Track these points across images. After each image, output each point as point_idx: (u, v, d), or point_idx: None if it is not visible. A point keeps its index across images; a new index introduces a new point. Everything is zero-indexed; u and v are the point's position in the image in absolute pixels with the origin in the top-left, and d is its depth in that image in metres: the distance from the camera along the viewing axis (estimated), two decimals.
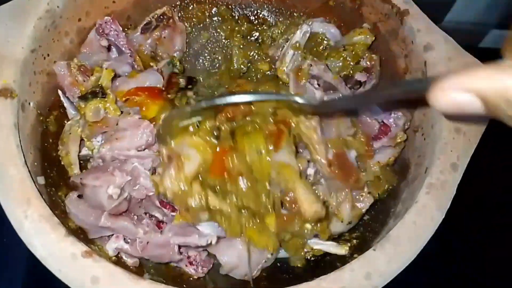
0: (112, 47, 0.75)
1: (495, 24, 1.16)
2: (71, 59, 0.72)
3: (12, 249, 0.84)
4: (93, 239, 0.65)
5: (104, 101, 0.66)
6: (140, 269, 0.67)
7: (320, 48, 0.77)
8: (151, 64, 0.76)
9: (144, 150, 0.65)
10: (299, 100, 0.56)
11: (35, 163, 0.63)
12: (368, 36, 0.75)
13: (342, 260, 0.64)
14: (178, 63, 0.79)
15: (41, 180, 0.62)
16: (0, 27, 0.63)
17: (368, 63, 0.74)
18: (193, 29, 0.86)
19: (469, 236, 0.91)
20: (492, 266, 0.89)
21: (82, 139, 0.69)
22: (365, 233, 0.69)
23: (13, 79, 0.61)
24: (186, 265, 0.67)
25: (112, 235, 0.65)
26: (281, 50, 0.79)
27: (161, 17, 0.79)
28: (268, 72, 0.82)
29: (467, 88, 0.32)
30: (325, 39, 0.77)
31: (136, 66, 0.73)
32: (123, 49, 0.73)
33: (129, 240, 0.64)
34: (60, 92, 0.71)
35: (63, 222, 0.56)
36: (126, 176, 0.62)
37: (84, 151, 0.70)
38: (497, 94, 0.31)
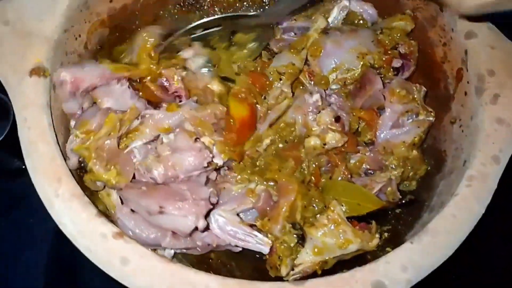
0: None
1: None
2: (102, 42, 0.72)
3: (38, 230, 0.85)
4: None
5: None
6: None
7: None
8: None
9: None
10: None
11: (65, 144, 0.63)
12: (408, 23, 0.72)
13: (373, 254, 0.61)
14: None
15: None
16: (33, 5, 0.62)
17: (406, 49, 0.71)
18: None
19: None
20: None
21: None
22: (397, 226, 0.67)
23: (46, 58, 0.61)
24: None
25: None
26: None
27: None
28: None
29: None
30: (362, 19, 0.74)
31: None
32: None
33: None
34: None
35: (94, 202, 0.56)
36: (209, 205, 0.59)
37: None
38: None
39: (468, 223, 0.53)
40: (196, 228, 0.56)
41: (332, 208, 0.57)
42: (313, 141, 0.62)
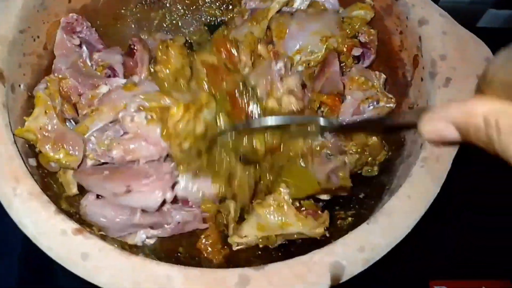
0: (82, 44, 0.72)
1: (492, 3, 1.14)
2: None
3: (8, 237, 0.84)
4: None
5: None
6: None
7: None
8: None
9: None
10: (321, 122, 0.60)
11: (26, 145, 0.62)
12: (368, 12, 0.74)
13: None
14: None
15: (32, 161, 0.62)
16: None
17: (366, 38, 0.73)
18: None
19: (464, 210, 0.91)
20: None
21: None
22: (360, 210, 0.68)
23: (1, 58, 0.60)
24: None
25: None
26: None
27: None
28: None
29: (445, 118, 0.39)
30: (324, 8, 0.77)
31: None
32: (96, 44, 0.72)
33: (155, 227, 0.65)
34: None
35: (54, 201, 0.55)
36: (174, 178, 0.61)
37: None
38: (465, 121, 0.37)
39: (423, 203, 0.55)
40: (164, 201, 0.59)
41: (280, 190, 0.59)
42: (270, 103, 0.63)
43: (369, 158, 0.68)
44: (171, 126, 0.59)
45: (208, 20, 0.86)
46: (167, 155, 0.64)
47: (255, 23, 0.73)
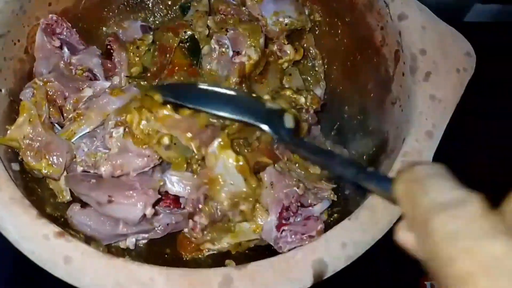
0: (63, 45, 0.72)
1: None
2: None
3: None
4: None
5: None
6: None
7: None
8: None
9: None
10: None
11: (9, 150, 0.62)
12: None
13: None
14: None
15: (15, 166, 0.62)
16: None
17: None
18: None
19: None
20: None
21: None
22: (346, 207, 0.69)
23: None
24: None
25: None
26: None
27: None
28: None
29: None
30: None
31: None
32: (77, 45, 0.72)
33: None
34: None
35: (38, 206, 0.55)
36: (158, 194, 0.61)
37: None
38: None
39: None
40: (144, 216, 0.58)
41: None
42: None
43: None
44: (136, 132, 0.59)
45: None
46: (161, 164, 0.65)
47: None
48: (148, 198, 0.59)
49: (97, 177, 0.63)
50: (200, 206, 0.61)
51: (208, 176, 0.61)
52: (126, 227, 0.61)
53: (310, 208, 0.63)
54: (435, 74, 0.63)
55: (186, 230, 0.65)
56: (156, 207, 0.66)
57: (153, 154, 0.63)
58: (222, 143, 0.58)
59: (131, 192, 0.59)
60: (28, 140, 0.61)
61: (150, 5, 0.84)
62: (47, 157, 0.60)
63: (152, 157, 0.62)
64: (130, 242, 0.65)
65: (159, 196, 0.61)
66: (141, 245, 0.69)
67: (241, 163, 0.59)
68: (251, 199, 0.60)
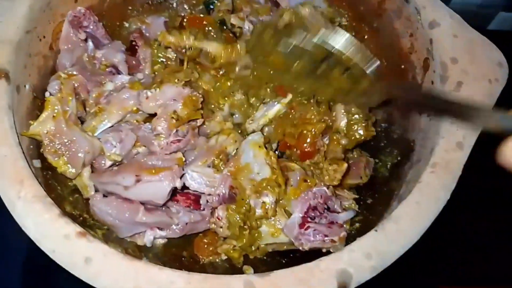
0: (88, 39, 0.72)
1: (503, 6, 1.13)
2: None
3: (12, 240, 0.83)
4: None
5: None
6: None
7: None
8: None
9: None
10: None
11: (31, 146, 0.62)
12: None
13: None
14: None
15: (37, 163, 0.61)
16: None
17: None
18: None
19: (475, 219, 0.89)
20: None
21: None
22: (368, 216, 0.67)
23: (7, 60, 0.60)
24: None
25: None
26: None
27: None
28: None
29: None
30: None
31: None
32: (102, 39, 0.71)
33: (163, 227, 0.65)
34: None
35: (58, 203, 0.55)
36: (182, 170, 0.62)
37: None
38: None
39: (432, 210, 0.54)
40: (174, 189, 0.60)
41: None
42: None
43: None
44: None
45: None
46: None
47: None
48: (173, 172, 0.59)
49: (118, 165, 0.64)
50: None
51: (235, 166, 0.62)
52: (145, 215, 0.61)
53: (336, 214, 0.62)
54: (466, 83, 0.61)
55: (210, 225, 0.65)
56: (175, 205, 0.66)
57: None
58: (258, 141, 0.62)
59: (156, 169, 0.60)
60: (50, 136, 0.60)
61: (174, 4, 0.83)
62: (65, 156, 0.59)
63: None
64: (147, 239, 0.64)
65: (183, 171, 0.62)
66: (158, 246, 0.68)
67: (271, 153, 0.61)
68: (276, 189, 0.60)
